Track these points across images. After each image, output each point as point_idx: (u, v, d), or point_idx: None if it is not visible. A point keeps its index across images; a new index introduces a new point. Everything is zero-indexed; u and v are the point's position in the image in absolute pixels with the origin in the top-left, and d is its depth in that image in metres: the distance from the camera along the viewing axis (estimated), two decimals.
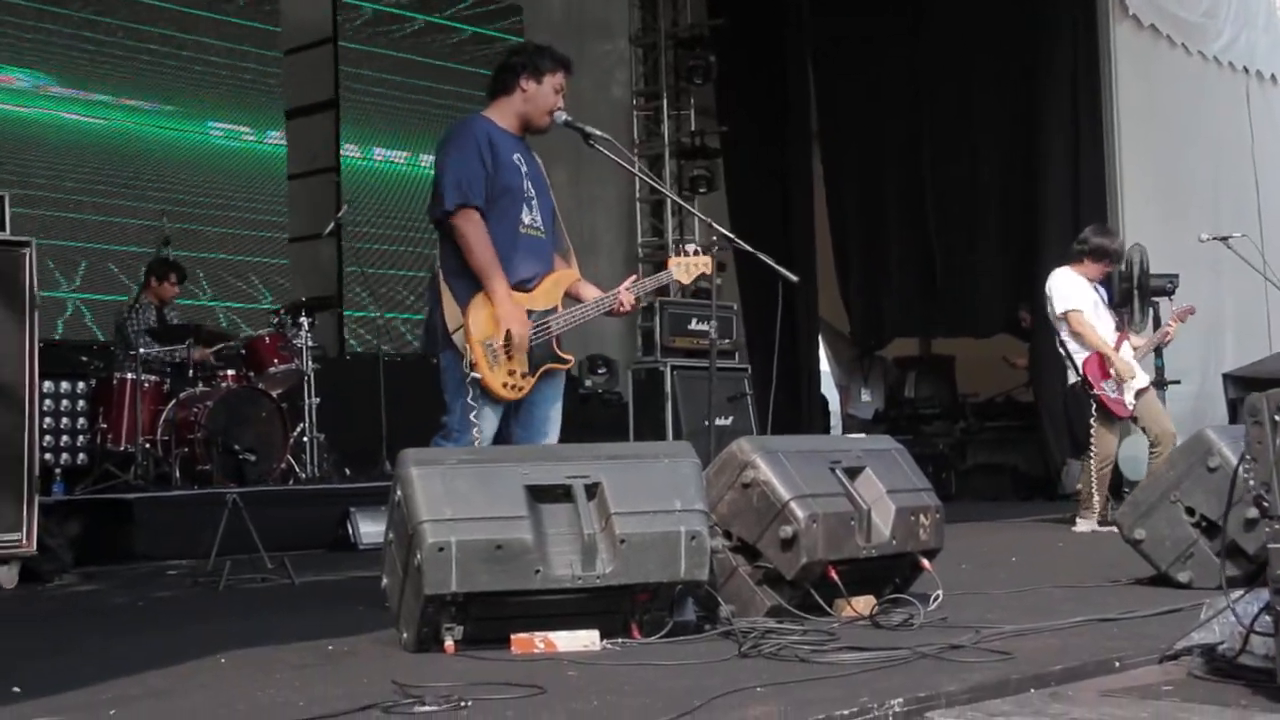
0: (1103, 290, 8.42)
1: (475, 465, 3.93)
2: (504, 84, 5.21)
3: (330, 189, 11.79)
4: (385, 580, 4.04)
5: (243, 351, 9.32)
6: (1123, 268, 9.03)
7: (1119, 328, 8.29)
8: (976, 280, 12.37)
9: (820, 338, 13.66)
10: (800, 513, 4.16)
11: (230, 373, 9.10)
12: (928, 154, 12.79)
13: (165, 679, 3.59)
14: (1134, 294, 9.21)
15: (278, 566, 6.06)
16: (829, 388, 14.16)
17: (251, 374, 9.13)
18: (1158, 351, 8.68)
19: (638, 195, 13.89)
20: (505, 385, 4.94)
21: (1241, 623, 3.31)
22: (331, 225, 10.68)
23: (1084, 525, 7.99)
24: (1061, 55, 11.59)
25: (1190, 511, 4.95)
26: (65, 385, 8.46)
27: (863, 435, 9.24)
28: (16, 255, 6.08)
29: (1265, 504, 3.19)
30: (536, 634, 3.78)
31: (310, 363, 9.28)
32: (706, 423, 7.70)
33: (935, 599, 4.38)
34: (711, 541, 4.00)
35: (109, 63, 10.68)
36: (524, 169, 5.16)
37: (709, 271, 5.61)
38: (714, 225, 5.81)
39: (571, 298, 5.23)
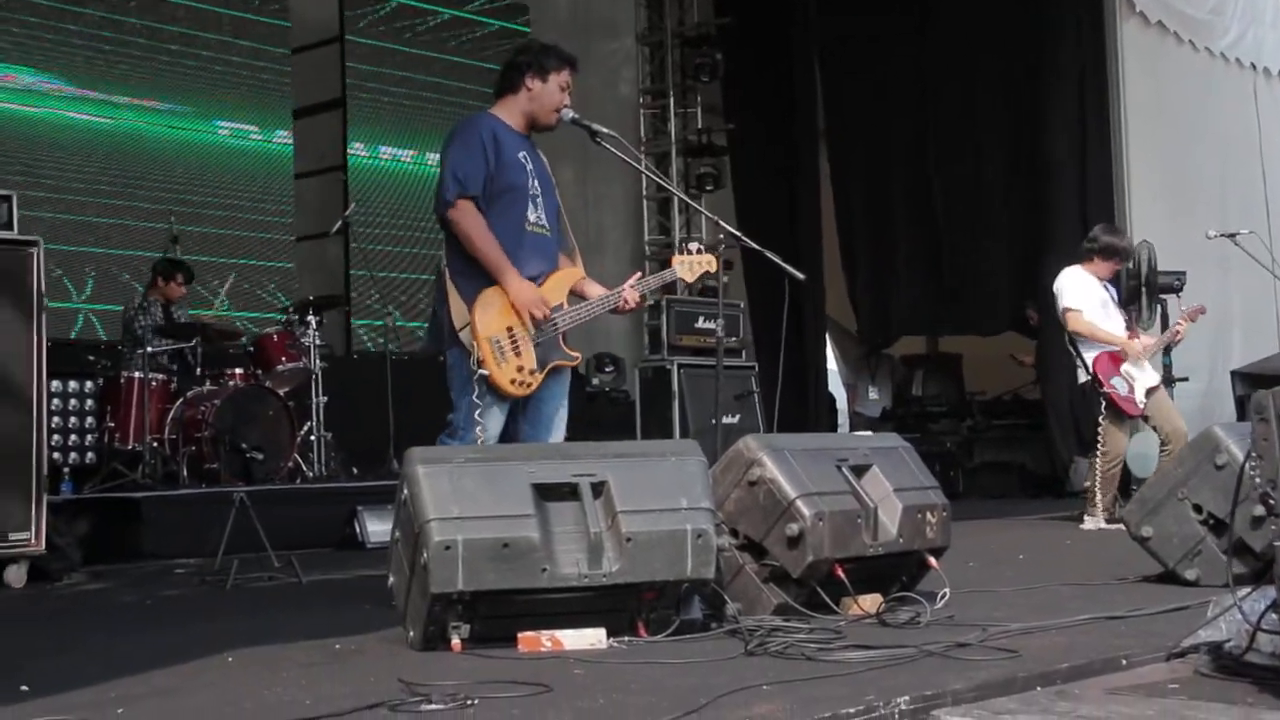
0: (1113, 289, 8.40)
1: (482, 464, 3.93)
2: (510, 82, 5.22)
3: (337, 188, 11.80)
4: (392, 579, 4.04)
5: (250, 350, 9.33)
6: (1130, 265, 9.02)
7: (1129, 326, 8.28)
8: (984, 278, 12.35)
9: (827, 336, 13.64)
10: (806, 511, 4.16)
11: (238, 371, 9.11)
12: (934, 152, 12.77)
13: (172, 677, 3.59)
14: (1141, 291, 9.19)
15: (285, 565, 6.05)
16: (836, 386, 14.14)
17: (259, 372, 9.13)
18: (1166, 349, 8.66)
19: (644, 193, 13.88)
20: (513, 382, 4.94)
21: (1248, 620, 3.31)
22: (339, 224, 10.69)
23: (1091, 523, 7.98)
24: (1068, 53, 11.58)
25: (1198, 509, 4.95)
26: (73, 384, 8.49)
27: (869, 433, 9.24)
28: (23, 255, 6.09)
29: (1272, 501, 3.19)
30: (543, 632, 3.78)
31: (318, 361, 9.28)
32: (713, 421, 7.68)
33: (942, 597, 4.37)
34: (718, 540, 4.00)
35: (113, 62, 10.69)
36: (529, 167, 5.17)
37: (713, 269, 5.62)
38: (720, 223, 5.82)
39: (576, 296, 5.24)
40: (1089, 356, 8.06)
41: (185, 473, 8.43)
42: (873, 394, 14.03)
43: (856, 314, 13.64)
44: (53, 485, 7.08)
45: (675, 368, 9.79)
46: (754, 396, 9.96)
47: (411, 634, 3.88)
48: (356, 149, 12.00)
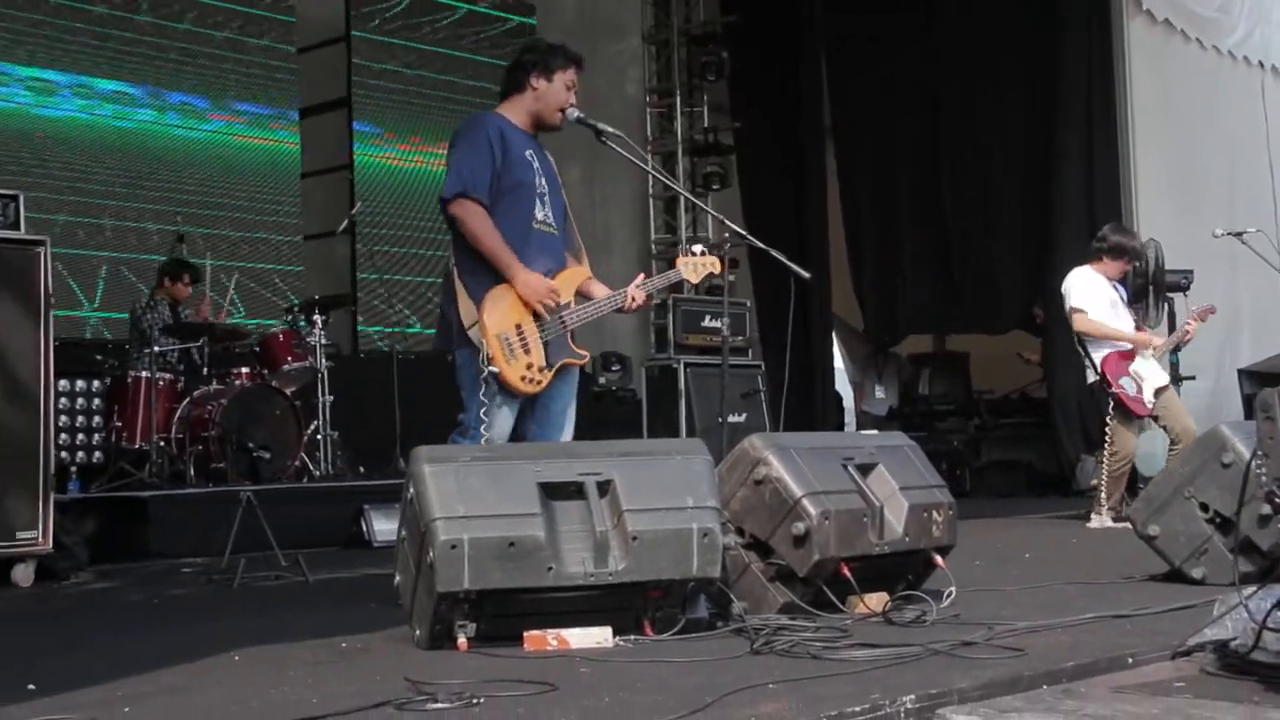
0: (1122, 289, 8.40)
1: (488, 462, 3.93)
2: (516, 82, 5.23)
3: (344, 187, 11.81)
4: (398, 577, 4.04)
5: (256, 349, 9.34)
6: (1139, 264, 9.01)
7: (1138, 327, 8.27)
8: (991, 276, 12.35)
9: (834, 334, 13.66)
10: (812, 509, 4.16)
11: (244, 370, 9.13)
12: (942, 149, 12.76)
13: (179, 676, 3.60)
14: (1149, 290, 9.19)
15: (292, 564, 6.07)
16: (843, 384, 14.14)
17: (265, 372, 9.15)
18: (1176, 348, 8.66)
19: (651, 192, 13.89)
20: (523, 379, 4.94)
21: (1254, 619, 3.31)
22: (345, 223, 10.70)
23: (1098, 521, 7.98)
24: (1075, 51, 11.57)
25: (1204, 507, 4.94)
26: (80, 384, 8.51)
27: (875, 432, 9.23)
28: (31, 254, 6.10)
29: (1277, 500, 3.18)
30: (549, 631, 3.78)
31: (324, 360, 9.29)
32: (719, 419, 7.70)
33: (948, 596, 4.37)
34: (724, 538, 4.00)
35: (118, 60, 10.70)
36: (536, 165, 5.17)
37: (717, 271, 5.65)
38: (726, 222, 5.83)
39: (582, 296, 5.24)
40: (1097, 356, 8.05)
41: (192, 472, 8.45)
42: (879, 392, 14.04)
43: (863, 312, 13.64)
44: (60, 484, 7.11)
45: (682, 366, 9.81)
46: (760, 395, 9.97)
47: (418, 633, 3.89)
48: (363, 148, 11.99)
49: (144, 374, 8.69)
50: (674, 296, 10.04)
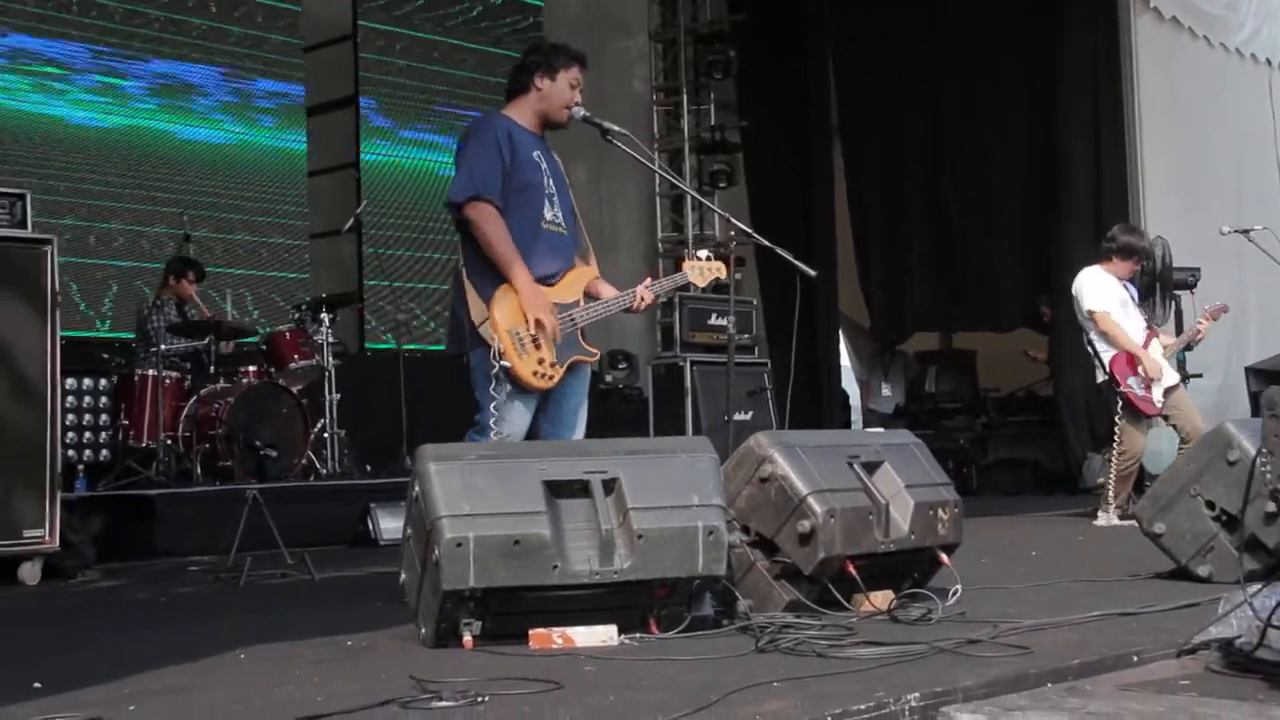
0: (1132, 289, 8.39)
1: (493, 460, 3.93)
2: (520, 83, 5.24)
3: (350, 185, 11.82)
4: (404, 576, 4.05)
5: (263, 347, 9.35)
6: (1147, 263, 9.00)
7: (1148, 326, 8.26)
8: (997, 274, 12.34)
9: (840, 332, 13.65)
10: (818, 507, 4.16)
11: (251, 369, 9.14)
12: (949, 147, 12.75)
13: (184, 674, 3.60)
14: (1156, 287, 9.18)
15: (298, 562, 6.07)
16: (849, 382, 14.15)
17: (272, 370, 9.16)
18: (1186, 347, 8.65)
19: (658, 191, 13.87)
20: (535, 374, 4.94)
21: (1259, 617, 3.30)
22: (351, 221, 10.71)
23: (1104, 519, 7.97)
24: (1082, 49, 11.55)
25: (1210, 505, 4.93)
26: (87, 382, 8.51)
27: (881, 430, 9.23)
28: (38, 253, 6.11)
29: None
30: (554, 629, 3.79)
31: (331, 359, 9.30)
32: (726, 417, 7.70)
33: (954, 594, 4.37)
34: (729, 536, 4.00)
35: (121, 60, 10.70)
36: (544, 165, 5.19)
37: (723, 276, 5.68)
38: (732, 220, 5.84)
39: (590, 296, 5.25)
40: (1106, 356, 8.04)
41: (199, 470, 8.45)
42: (886, 390, 14.03)
43: (870, 310, 13.64)
44: (67, 482, 7.13)
45: (688, 365, 9.81)
46: (766, 393, 9.97)
47: (423, 631, 3.89)
48: (369, 147, 12.00)
49: (151, 372, 8.70)
50: (680, 295, 10.01)
